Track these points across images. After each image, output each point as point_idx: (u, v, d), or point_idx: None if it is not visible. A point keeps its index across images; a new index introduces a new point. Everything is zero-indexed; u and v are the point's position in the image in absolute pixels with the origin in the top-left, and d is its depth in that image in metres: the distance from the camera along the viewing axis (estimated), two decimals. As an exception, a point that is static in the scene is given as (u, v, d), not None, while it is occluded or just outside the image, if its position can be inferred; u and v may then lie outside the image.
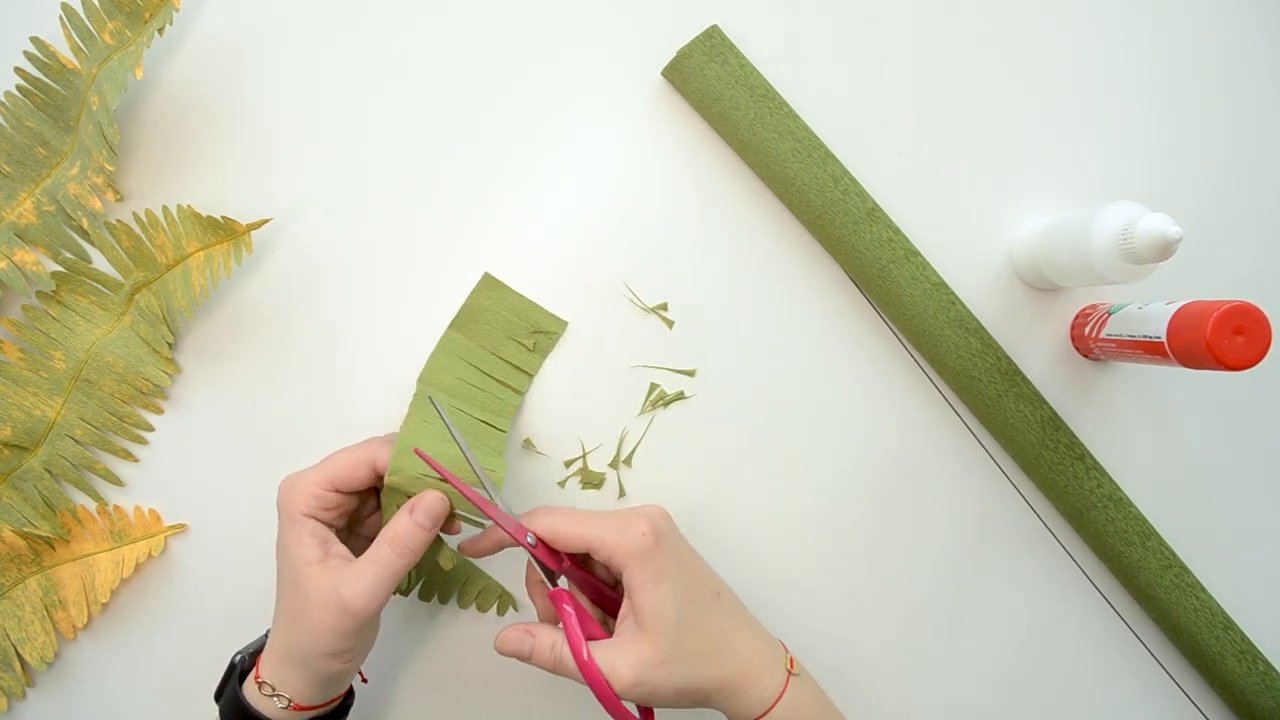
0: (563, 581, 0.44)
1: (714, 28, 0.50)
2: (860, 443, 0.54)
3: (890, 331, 0.54)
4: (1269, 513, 0.55)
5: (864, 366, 0.54)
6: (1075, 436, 0.53)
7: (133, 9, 0.49)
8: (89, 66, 0.49)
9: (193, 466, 0.52)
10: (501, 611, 0.52)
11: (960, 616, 0.54)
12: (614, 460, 0.53)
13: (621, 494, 0.53)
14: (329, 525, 0.43)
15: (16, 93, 0.49)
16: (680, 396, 0.53)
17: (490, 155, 0.52)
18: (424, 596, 0.51)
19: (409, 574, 0.45)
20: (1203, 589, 0.53)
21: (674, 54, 0.51)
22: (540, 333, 0.52)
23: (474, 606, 0.52)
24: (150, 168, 0.51)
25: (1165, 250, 0.42)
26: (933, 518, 0.54)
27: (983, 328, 0.52)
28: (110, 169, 0.49)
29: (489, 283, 0.52)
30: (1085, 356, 0.54)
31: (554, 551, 0.43)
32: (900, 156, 0.53)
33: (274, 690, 0.41)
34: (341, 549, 0.42)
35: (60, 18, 0.48)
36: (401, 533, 0.41)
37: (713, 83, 0.50)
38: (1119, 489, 0.53)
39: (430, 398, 0.44)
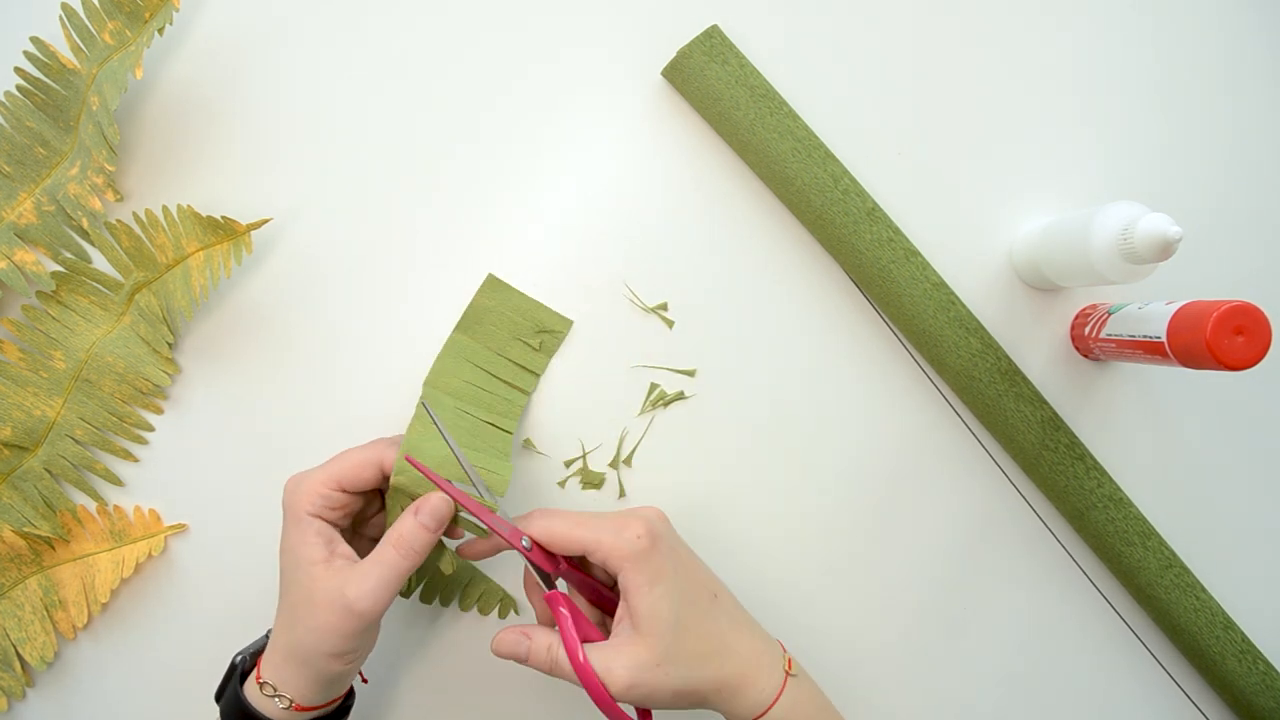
0: (560, 584, 0.44)
1: (714, 28, 0.50)
2: (860, 443, 0.54)
3: (890, 331, 0.54)
4: (1269, 513, 0.55)
5: (864, 366, 0.54)
6: (1075, 436, 0.53)
7: (133, 9, 0.49)
8: (89, 66, 0.49)
9: (193, 466, 0.52)
10: (503, 615, 0.52)
11: (960, 616, 0.54)
12: (614, 460, 0.53)
13: (621, 494, 0.53)
14: (334, 525, 0.43)
15: (16, 93, 0.49)
16: (680, 396, 0.53)
17: (490, 155, 0.52)
18: (425, 599, 0.51)
19: (411, 576, 0.45)
20: (1203, 589, 0.53)
21: (674, 54, 0.51)
22: (546, 332, 0.52)
23: (475, 609, 0.52)
24: (150, 168, 0.51)
25: (1165, 250, 0.42)
26: (933, 518, 0.54)
27: (983, 328, 0.52)
28: (110, 169, 0.49)
29: (492, 283, 0.52)
30: (1085, 356, 0.54)
31: (550, 554, 0.43)
32: (900, 156, 0.53)
33: (275, 691, 0.41)
34: (347, 549, 0.42)
35: (60, 18, 0.48)
36: (406, 534, 0.41)
37: (713, 83, 0.50)
38: (1119, 489, 0.53)
39: (424, 404, 0.44)
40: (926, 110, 0.53)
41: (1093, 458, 0.52)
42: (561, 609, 0.42)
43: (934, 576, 0.54)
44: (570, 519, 0.43)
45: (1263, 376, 0.54)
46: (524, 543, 0.43)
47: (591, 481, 0.53)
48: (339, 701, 0.44)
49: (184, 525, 0.52)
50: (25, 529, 0.49)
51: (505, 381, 0.51)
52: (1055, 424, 0.52)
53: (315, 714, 0.43)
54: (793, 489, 0.54)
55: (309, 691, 0.42)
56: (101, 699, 0.52)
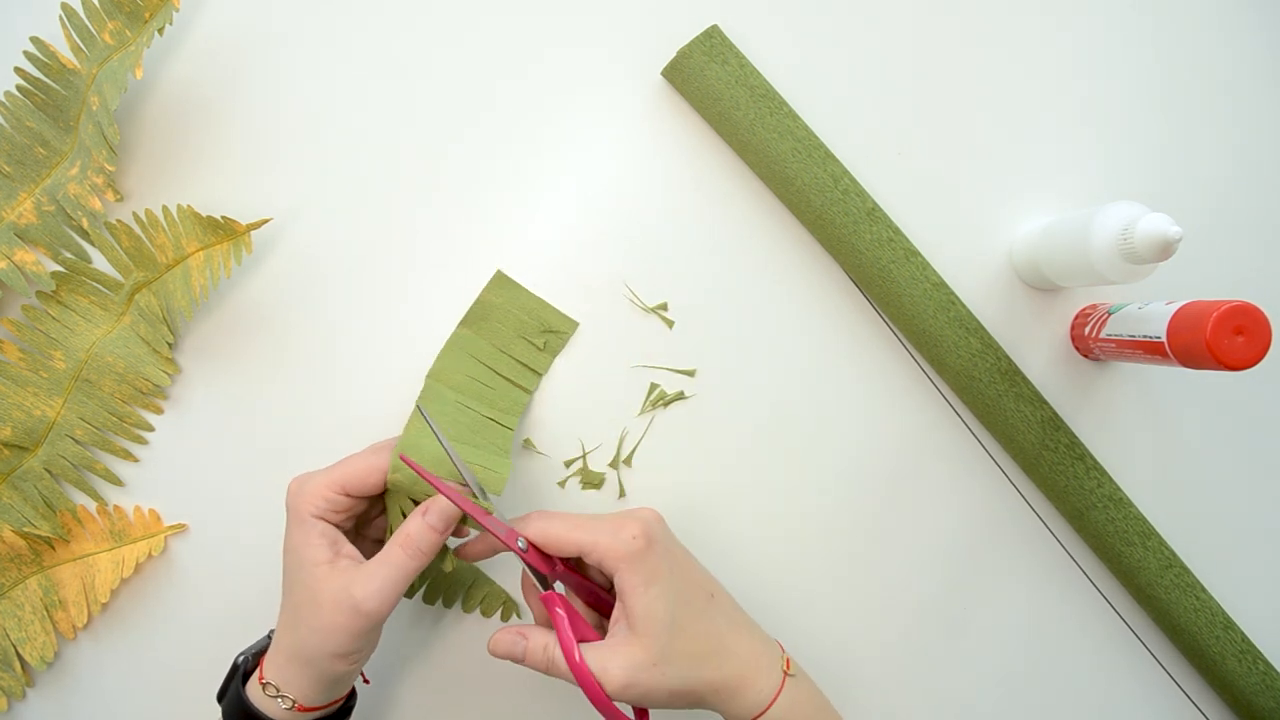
0: (557, 585, 0.44)
1: (714, 28, 0.50)
2: (860, 443, 0.54)
3: (890, 331, 0.54)
4: (1269, 513, 0.55)
5: (864, 366, 0.54)
6: (1075, 436, 0.53)
7: (133, 9, 0.49)
8: (89, 66, 0.49)
9: (193, 466, 0.52)
10: (505, 617, 0.52)
11: (960, 616, 0.54)
12: (614, 460, 0.53)
13: (621, 494, 0.53)
14: (337, 527, 0.43)
15: (16, 93, 0.49)
16: (680, 396, 0.53)
17: (490, 155, 0.52)
18: (428, 600, 0.51)
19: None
20: (1203, 589, 0.53)
21: (674, 54, 0.51)
22: (551, 332, 0.52)
23: (478, 611, 0.52)
24: (150, 168, 0.51)
25: (1165, 250, 0.42)
26: (933, 517, 0.54)
27: (983, 328, 0.52)
28: (110, 169, 0.49)
29: (501, 280, 0.52)
30: (1085, 356, 0.54)
31: (546, 556, 0.43)
32: (900, 156, 0.53)
33: (278, 691, 0.41)
34: (351, 550, 0.42)
35: (60, 18, 0.48)
36: (414, 534, 0.41)
37: (713, 83, 0.50)
38: (1119, 489, 0.53)
39: (419, 407, 0.44)
40: (926, 110, 0.53)
41: (1093, 458, 0.53)
42: (558, 609, 0.42)
43: (934, 576, 0.54)
44: (566, 520, 0.43)
45: (1263, 376, 0.54)
46: (520, 544, 0.43)
47: (591, 481, 0.53)
48: (341, 702, 0.44)
49: (184, 525, 0.52)
50: (25, 529, 0.49)
51: (508, 379, 0.51)
52: (1055, 424, 0.52)
53: (317, 714, 0.43)
54: (793, 489, 0.54)
55: (311, 692, 0.42)
56: (101, 699, 0.52)
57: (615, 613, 0.42)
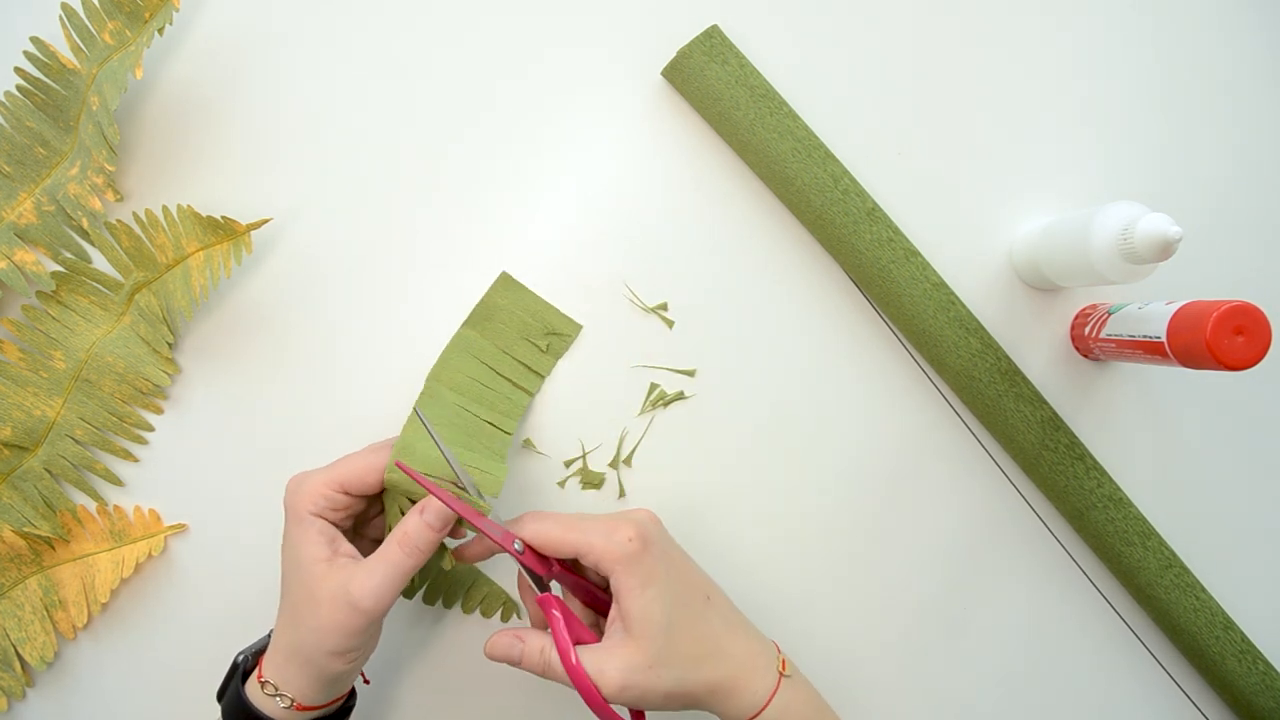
0: (553, 586, 0.44)
1: (714, 28, 0.50)
2: (860, 443, 0.54)
3: (890, 331, 0.54)
4: (1269, 513, 0.55)
5: (864, 366, 0.54)
6: (1075, 436, 0.53)
7: (133, 9, 0.49)
8: (89, 66, 0.49)
9: (193, 466, 0.52)
10: (505, 618, 0.52)
11: (960, 617, 0.54)
12: (614, 460, 0.53)
13: (621, 494, 0.53)
14: (336, 526, 0.43)
15: (16, 93, 0.49)
16: (680, 396, 0.53)
17: (490, 155, 0.52)
18: (428, 600, 0.51)
19: (415, 576, 0.45)
20: (1203, 589, 0.53)
21: (674, 54, 0.51)
22: (554, 334, 0.52)
23: (478, 612, 0.52)
24: (150, 168, 0.51)
25: (1165, 250, 0.42)
26: (933, 517, 0.54)
27: (983, 328, 0.52)
28: (110, 169, 0.49)
29: (506, 281, 0.52)
30: (1085, 356, 0.54)
31: (542, 557, 0.43)
32: (900, 156, 0.53)
33: (277, 690, 0.41)
34: (349, 548, 0.42)
35: (60, 18, 0.48)
36: (412, 533, 0.41)
37: (713, 83, 0.50)
38: (1119, 489, 0.53)
39: (417, 410, 0.44)
40: (926, 110, 0.53)
41: (1093, 458, 0.52)
42: (554, 611, 0.42)
43: (934, 576, 0.54)
44: (561, 522, 0.43)
45: (1263, 376, 0.54)
46: (516, 546, 0.43)
47: (591, 481, 0.53)
48: (340, 702, 0.44)
49: (184, 525, 0.52)
50: (25, 529, 0.49)
51: (509, 380, 0.51)
52: (1055, 424, 0.52)
53: (317, 714, 0.43)
54: (793, 489, 0.54)
55: (310, 691, 0.42)
56: (101, 699, 0.52)
57: (611, 614, 0.42)
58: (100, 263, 0.51)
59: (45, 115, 0.50)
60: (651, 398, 0.53)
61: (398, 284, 0.52)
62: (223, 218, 0.49)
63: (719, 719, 0.43)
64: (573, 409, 0.52)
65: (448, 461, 0.43)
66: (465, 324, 0.51)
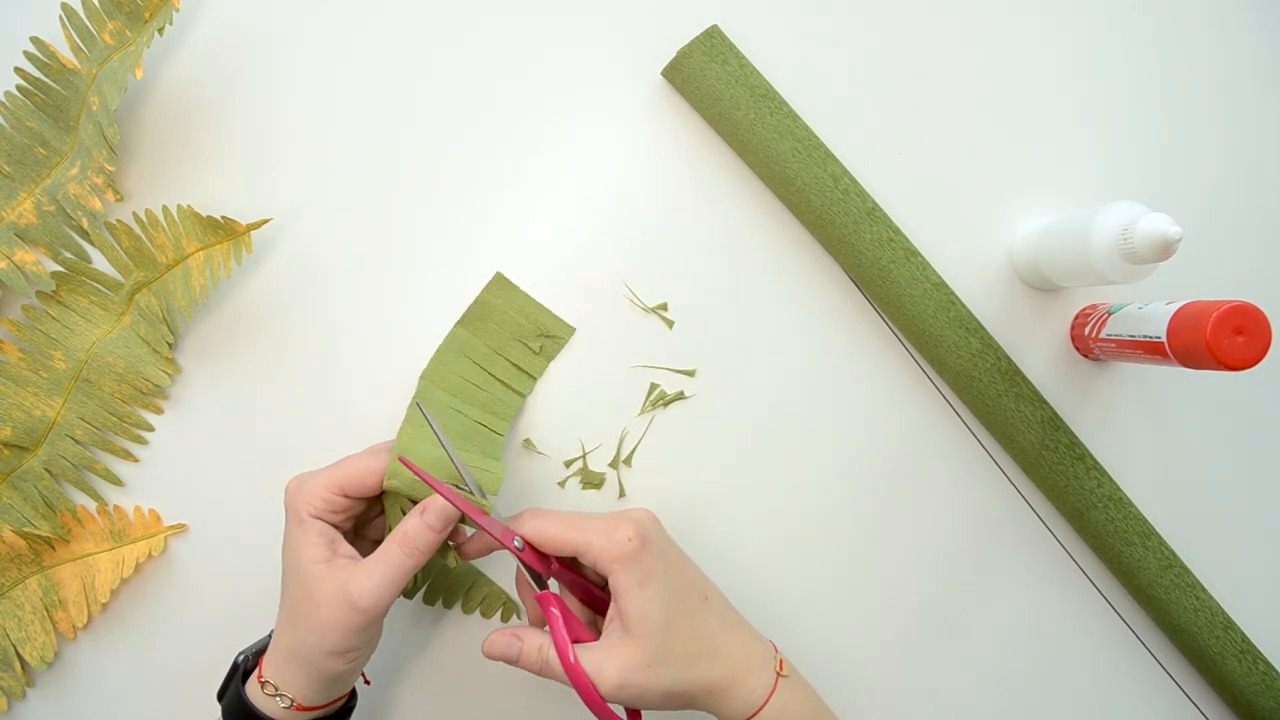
0: (552, 584, 0.44)
1: (714, 28, 0.50)
2: (860, 443, 0.54)
3: (890, 331, 0.54)
4: (1269, 513, 0.55)
5: (864, 366, 0.54)
6: (1075, 436, 0.53)
7: (133, 9, 0.49)
8: (89, 66, 0.49)
9: (193, 466, 0.52)
10: (505, 618, 0.52)
11: (960, 617, 0.54)
12: (614, 460, 0.53)
13: (621, 494, 0.53)
14: (336, 527, 0.43)
15: (16, 93, 0.49)
16: (680, 396, 0.53)
17: (490, 155, 0.52)
18: (428, 600, 0.51)
19: (415, 576, 0.45)
20: (1203, 589, 0.53)
21: (674, 54, 0.51)
22: (547, 336, 0.52)
23: (478, 612, 0.52)
24: (150, 168, 0.51)
25: (1165, 250, 0.42)
26: (933, 517, 0.54)
27: (983, 328, 0.52)
28: (110, 169, 0.49)
29: (500, 282, 0.52)
30: (1085, 356, 0.54)
31: (541, 554, 0.43)
32: (900, 156, 0.53)
33: (277, 690, 0.41)
34: (349, 549, 0.42)
35: (60, 18, 0.48)
36: (412, 533, 0.41)
37: (713, 83, 0.50)
38: (1119, 489, 0.53)
39: (418, 404, 0.44)
40: (926, 110, 0.53)
41: (1093, 458, 0.52)
42: (552, 609, 0.42)
43: (934, 576, 0.54)
44: (561, 520, 0.43)
45: (1263, 376, 0.54)
46: (516, 543, 0.43)
47: (591, 481, 0.53)
48: (341, 702, 0.44)
49: (184, 525, 0.52)
50: (25, 529, 0.49)
51: (502, 381, 0.51)
52: (1055, 424, 0.52)
53: (317, 714, 0.43)
54: (793, 489, 0.54)
55: (310, 691, 0.42)
56: (101, 699, 0.52)
57: (610, 613, 0.42)
58: (100, 263, 0.51)
59: (45, 115, 0.50)
60: (651, 398, 0.53)
61: (398, 284, 0.52)
62: (223, 218, 0.49)
63: (716, 718, 0.43)
64: (573, 409, 0.52)
65: (449, 458, 0.43)
66: (459, 323, 0.51)
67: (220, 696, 0.44)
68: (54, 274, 0.49)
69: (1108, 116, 0.54)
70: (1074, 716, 0.55)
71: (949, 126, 0.54)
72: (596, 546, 0.41)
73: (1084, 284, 0.50)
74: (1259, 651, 0.53)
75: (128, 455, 0.51)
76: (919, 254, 0.51)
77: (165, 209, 0.49)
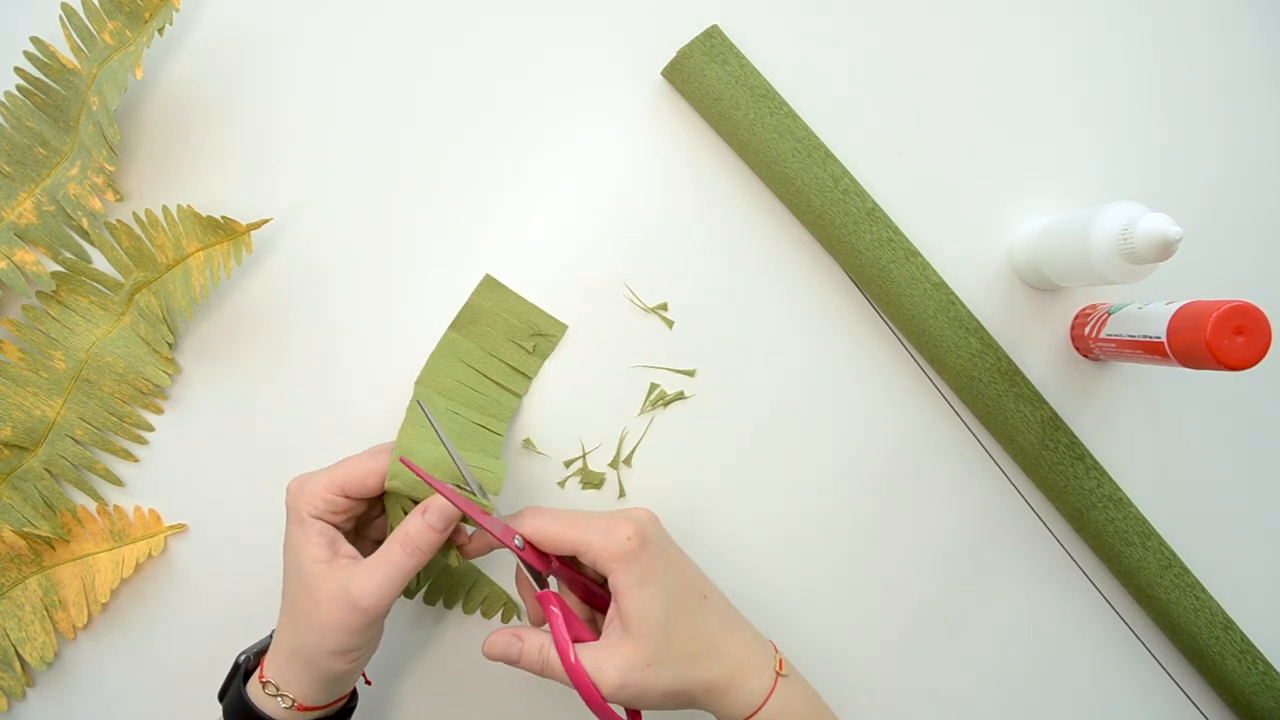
0: (551, 582, 0.44)
1: (714, 28, 0.50)
2: (860, 443, 0.54)
3: (890, 331, 0.54)
4: (1269, 513, 0.55)
5: (864, 366, 0.54)
6: (1075, 436, 0.53)
7: (133, 9, 0.49)
8: (89, 66, 0.49)
9: (193, 466, 0.52)
10: (506, 619, 0.52)
11: (960, 617, 0.54)
12: (614, 460, 0.53)
13: (621, 494, 0.53)
14: (337, 528, 0.43)
15: (16, 93, 0.49)
16: (680, 396, 0.53)
17: (490, 155, 0.52)
18: (429, 600, 0.51)
19: (416, 576, 0.45)
20: (1203, 589, 0.53)
21: (674, 54, 0.51)
22: (540, 335, 0.52)
23: (479, 612, 0.52)
24: (150, 168, 0.51)
25: (1165, 250, 0.42)
26: (933, 517, 0.54)
27: (983, 328, 0.52)
28: (110, 169, 0.49)
29: (490, 284, 0.52)
30: (1085, 356, 0.54)
31: (542, 553, 0.44)
32: (900, 156, 0.53)
33: (278, 690, 0.41)
34: (350, 549, 0.42)
35: (60, 18, 0.48)
36: (413, 533, 0.41)
37: (713, 83, 0.50)
38: (1119, 489, 0.53)
39: (419, 401, 0.44)
40: (926, 110, 0.53)
41: (1093, 458, 0.53)
42: (553, 608, 0.42)
43: (934, 576, 0.54)
44: (561, 519, 0.43)
45: (1263, 376, 0.54)
46: (516, 541, 0.43)
47: (591, 481, 0.53)
48: (342, 702, 0.44)
49: (184, 525, 0.52)
50: (25, 529, 0.49)
51: (497, 383, 0.51)
52: (1055, 424, 0.52)
53: (318, 714, 0.43)
54: (793, 489, 0.54)
55: (311, 691, 0.42)
56: (101, 699, 0.52)
57: (610, 612, 0.42)
58: (100, 263, 0.51)
59: (45, 115, 0.50)
60: (651, 398, 0.53)
61: (398, 284, 0.52)
62: (223, 218, 0.49)
63: (716, 718, 0.43)
64: (573, 409, 0.52)
65: (451, 456, 0.43)
66: (451, 327, 0.51)
67: (221, 696, 0.44)
68: (54, 274, 0.49)
69: (1108, 116, 0.54)
70: (1074, 716, 0.55)
71: (949, 126, 0.54)
72: (596, 545, 0.41)
73: (1084, 284, 0.50)
74: (1259, 651, 0.53)
75: (128, 455, 0.51)
76: (919, 254, 0.51)
77: (165, 209, 0.49)
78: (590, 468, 0.53)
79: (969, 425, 0.54)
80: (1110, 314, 0.50)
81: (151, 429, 0.51)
